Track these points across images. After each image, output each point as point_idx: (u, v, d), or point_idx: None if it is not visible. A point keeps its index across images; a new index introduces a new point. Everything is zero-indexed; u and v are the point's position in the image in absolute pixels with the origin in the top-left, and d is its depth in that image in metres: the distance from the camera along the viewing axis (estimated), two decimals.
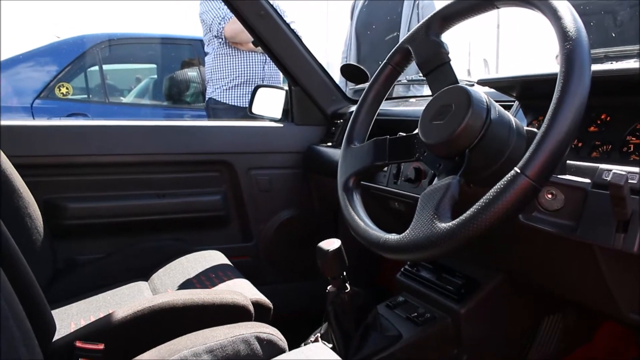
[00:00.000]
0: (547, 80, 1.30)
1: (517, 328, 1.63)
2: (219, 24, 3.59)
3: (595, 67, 1.15)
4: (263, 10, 2.20)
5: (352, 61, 3.77)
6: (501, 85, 1.44)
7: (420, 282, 1.69)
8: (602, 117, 1.26)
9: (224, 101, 3.67)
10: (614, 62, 1.53)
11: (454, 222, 0.89)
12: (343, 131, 2.22)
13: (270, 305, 1.58)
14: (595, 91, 1.26)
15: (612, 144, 1.20)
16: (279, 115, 2.51)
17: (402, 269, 1.78)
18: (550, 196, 1.06)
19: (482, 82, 1.44)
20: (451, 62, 1.13)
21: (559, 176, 1.04)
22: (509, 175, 0.86)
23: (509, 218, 0.85)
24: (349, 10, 4.06)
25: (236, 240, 2.38)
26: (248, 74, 3.65)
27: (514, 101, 1.49)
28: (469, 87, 1.03)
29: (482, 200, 0.86)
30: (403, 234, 0.98)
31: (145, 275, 1.84)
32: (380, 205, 1.71)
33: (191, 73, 5.34)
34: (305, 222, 2.45)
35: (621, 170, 0.94)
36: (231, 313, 1.43)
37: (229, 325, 1.30)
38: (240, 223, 2.38)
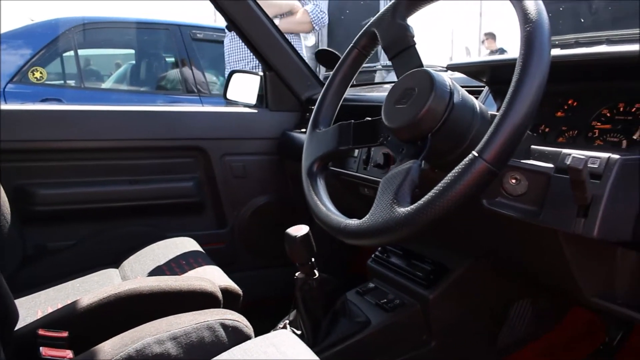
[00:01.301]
0: (515, 65, 1.29)
1: (486, 313, 1.63)
2: None
3: (561, 52, 1.15)
4: None
5: (325, 45, 3.74)
6: (471, 70, 1.43)
7: (390, 269, 1.69)
8: (569, 102, 1.25)
9: None
10: (583, 48, 1.53)
11: (412, 206, 0.88)
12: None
13: (240, 292, 1.57)
14: (562, 77, 1.26)
15: (578, 129, 1.20)
16: (254, 101, 2.48)
17: (372, 256, 1.77)
18: (514, 181, 1.05)
19: (451, 67, 1.43)
20: (416, 46, 1.12)
21: (522, 161, 1.03)
22: (466, 159, 0.85)
23: (466, 202, 0.84)
24: None
25: (210, 226, 2.36)
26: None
27: (484, 86, 1.48)
28: (432, 71, 1.02)
29: (439, 184, 0.86)
30: (363, 219, 0.97)
31: (116, 262, 1.82)
32: (351, 191, 1.70)
33: (169, 59, 5.28)
34: (280, 208, 2.44)
35: (582, 155, 0.94)
36: (199, 300, 1.42)
37: (194, 312, 1.29)
38: (215, 209, 2.37)
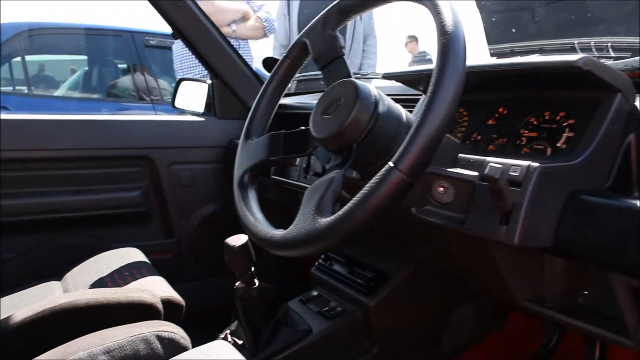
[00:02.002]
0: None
1: (428, 318, 1.65)
2: None
3: (478, 62, 1.17)
4: (181, 2, 2.16)
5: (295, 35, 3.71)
6: (407, 79, 1.45)
7: (333, 276, 1.69)
8: (500, 110, 1.28)
9: None
10: (518, 57, 1.57)
11: (332, 217, 0.89)
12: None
13: (182, 302, 1.56)
14: (494, 85, 1.29)
15: (508, 137, 1.22)
16: (202, 109, 2.47)
17: (316, 264, 1.78)
18: (442, 189, 1.07)
19: (387, 76, 1.45)
20: (345, 56, 1.13)
21: (449, 170, 1.05)
22: (383, 170, 0.86)
23: (384, 212, 0.85)
24: None
25: (157, 236, 2.33)
26: None
27: (421, 95, 1.50)
28: (358, 82, 1.03)
29: (358, 195, 0.87)
30: (287, 229, 0.98)
31: (59, 275, 1.79)
32: (292, 200, 1.70)
33: (122, 65, 5.22)
34: (228, 217, 2.42)
35: (499, 164, 0.96)
36: (138, 312, 1.40)
37: (130, 325, 1.28)
38: (162, 219, 2.34)
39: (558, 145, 1.13)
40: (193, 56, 3.41)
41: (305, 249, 0.93)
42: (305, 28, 1.22)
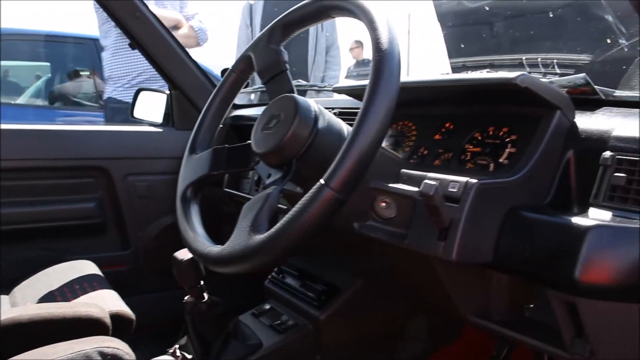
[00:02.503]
0: (402, 89, 1.32)
1: (380, 331, 1.65)
2: None
3: (412, 78, 1.18)
4: (138, 12, 2.14)
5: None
6: (356, 93, 1.45)
7: (285, 290, 1.69)
8: (447, 125, 1.29)
9: (127, 100, 3.34)
10: (469, 72, 1.58)
11: (265, 234, 0.88)
12: (222, 136, 2.20)
13: (133, 317, 1.53)
14: (441, 99, 1.30)
15: (453, 152, 1.23)
16: (160, 119, 2.45)
17: (269, 277, 1.77)
18: (384, 204, 1.07)
19: (337, 90, 1.45)
20: (288, 71, 1.13)
21: (391, 185, 1.05)
22: (315, 187, 0.86)
23: (317, 229, 0.85)
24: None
25: (113, 248, 2.30)
26: (153, 70, 3.43)
27: None
28: (298, 97, 1.03)
29: (291, 212, 0.86)
30: (224, 246, 0.97)
31: (8, 289, 1.75)
32: None
33: (84, 73, 5.16)
34: None
35: (438, 179, 0.96)
36: (84, 327, 1.38)
37: (73, 341, 1.25)
38: (118, 231, 2.31)
39: (500, 160, 1.14)
40: (123, 65, 3.38)
41: (241, 266, 0.92)
42: (251, 42, 1.22)
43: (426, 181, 0.91)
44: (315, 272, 1.67)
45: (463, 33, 2.66)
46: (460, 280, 1.16)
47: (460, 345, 1.84)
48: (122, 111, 3.41)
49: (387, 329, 1.66)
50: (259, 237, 0.89)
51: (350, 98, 1.52)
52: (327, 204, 0.84)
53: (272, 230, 0.88)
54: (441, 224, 0.95)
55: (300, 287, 1.65)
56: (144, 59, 3.38)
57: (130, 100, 3.36)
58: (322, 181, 0.85)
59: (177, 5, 3.48)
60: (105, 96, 3.60)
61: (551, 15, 1.83)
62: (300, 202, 0.86)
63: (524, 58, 1.57)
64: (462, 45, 2.45)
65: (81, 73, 5.19)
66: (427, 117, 1.34)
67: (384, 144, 1.39)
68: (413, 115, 1.38)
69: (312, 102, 1.03)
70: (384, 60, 0.89)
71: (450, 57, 2.29)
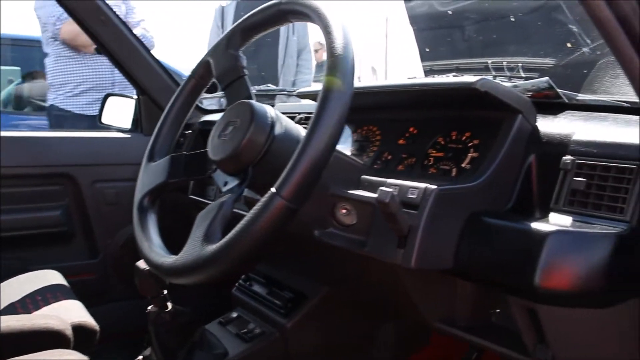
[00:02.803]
0: (362, 94, 1.31)
1: (348, 338, 1.63)
2: (54, 24, 3.23)
3: (367, 84, 1.17)
4: (103, 15, 2.10)
5: None
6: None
7: (252, 297, 1.66)
8: (411, 129, 1.28)
9: (68, 109, 3.37)
10: (435, 76, 1.58)
11: (217, 245, 0.86)
12: (191, 142, 2.17)
13: (96, 328, 1.50)
14: (405, 104, 1.29)
15: (416, 157, 1.22)
16: (129, 125, 2.41)
17: (236, 284, 1.74)
18: (344, 211, 1.05)
19: (300, 95, 1.43)
20: (246, 77, 1.11)
21: (350, 192, 1.03)
22: (266, 196, 0.84)
23: (269, 238, 0.83)
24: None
25: (80, 257, 2.25)
26: (95, 79, 3.35)
27: None
28: (254, 103, 1.01)
29: (242, 222, 0.84)
30: (177, 256, 0.95)
31: None
32: None
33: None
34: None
35: (397, 185, 0.95)
36: (44, 340, 1.34)
37: (30, 355, 1.22)
38: (85, 239, 2.26)
39: (463, 165, 1.13)
40: (67, 72, 3.32)
41: (193, 277, 0.90)
42: (210, 47, 1.20)
43: (382, 188, 0.90)
44: (282, 279, 1.65)
45: (434, 36, 2.66)
46: (425, 286, 1.15)
47: (430, 352, 1.83)
48: (65, 119, 3.36)
49: (356, 336, 1.64)
50: (211, 247, 0.87)
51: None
52: (278, 213, 0.82)
53: (224, 240, 0.86)
54: (400, 231, 0.94)
55: (267, 294, 1.62)
56: (85, 68, 3.39)
57: (73, 109, 3.34)
58: (273, 190, 0.83)
59: (123, 11, 3.43)
60: (48, 103, 3.55)
61: (520, 20, 1.84)
62: (251, 212, 0.84)
63: (489, 62, 1.56)
64: (433, 49, 2.45)
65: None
66: (391, 122, 1.32)
67: (348, 150, 1.38)
68: (378, 120, 1.37)
69: (269, 108, 1.01)
70: (336, 65, 0.87)
71: (422, 60, 2.28)
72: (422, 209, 0.95)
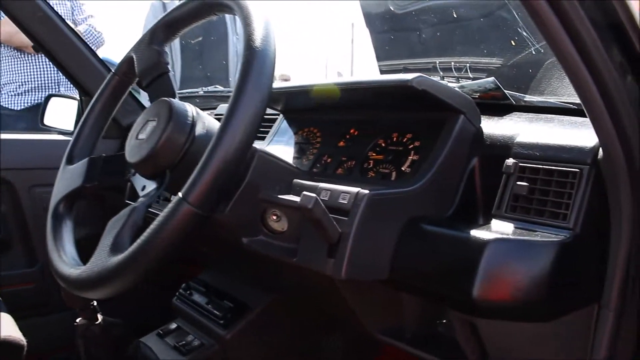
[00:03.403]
0: (306, 92, 1.24)
1: (293, 350, 1.55)
2: None
3: (287, 83, 1.11)
4: (41, 12, 1.99)
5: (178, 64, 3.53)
6: None
7: (193, 307, 1.58)
8: (352, 131, 1.21)
9: (12, 107, 3.22)
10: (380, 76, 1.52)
11: (121, 256, 0.79)
12: None
13: (23, 343, 1.40)
14: (344, 105, 1.22)
15: (356, 160, 1.15)
16: (72, 127, 2.30)
17: (177, 293, 1.66)
18: (275, 217, 0.98)
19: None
20: (170, 74, 1.03)
21: (280, 196, 0.96)
22: (173, 201, 0.76)
23: (177, 247, 0.76)
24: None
25: (17, 266, 2.13)
26: (40, 79, 3.23)
27: (279, 115, 1.43)
28: (174, 100, 0.93)
29: (147, 230, 0.77)
30: (84, 267, 0.86)
31: None
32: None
33: None
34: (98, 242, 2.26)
35: (329, 190, 0.89)
36: None
37: None
38: (23, 247, 2.14)
39: (403, 169, 1.07)
40: (7, 72, 3.19)
41: (99, 291, 0.82)
42: (134, 43, 1.12)
43: (305, 193, 0.83)
44: (224, 288, 1.57)
45: (389, 37, 2.64)
46: (364, 297, 1.08)
47: None
48: (9, 119, 3.22)
49: (301, 347, 1.57)
50: (116, 258, 0.79)
51: None
52: (185, 220, 0.75)
53: (128, 251, 0.78)
54: (329, 239, 0.87)
55: (207, 304, 1.54)
56: (28, 68, 3.25)
57: (17, 109, 3.20)
58: (180, 194, 0.76)
59: (69, 9, 3.31)
60: None
61: (471, 20, 1.79)
62: (157, 219, 0.77)
63: (437, 62, 1.51)
64: (388, 50, 2.43)
65: None
66: (332, 123, 1.26)
67: (288, 152, 1.31)
68: (320, 122, 1.31)
69: (190, 107, 0.94)
70: (253, 60, 0.80)
71: (378, 60, 2.25)
72: (353, 215, 0.88)
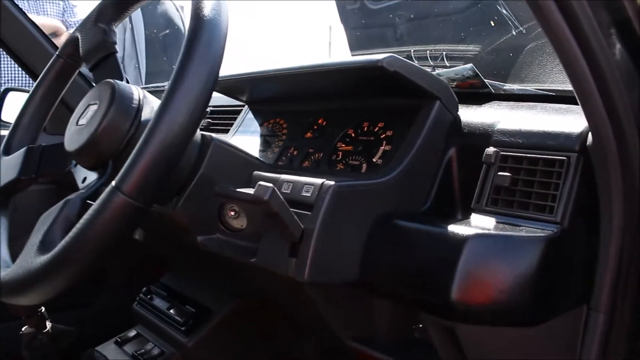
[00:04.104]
0: (272, 78, 1.14)
1: (260, 356, 1.46)
2: None
3: (275, 66, 1.02)
4: None
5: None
6: (226, 86, 1.26)
7: (153, 313, 1.47)
8: (320, 121, 1.12)
9: None
10: None
11: (48, 255, 0.69)
12: None
13: None
14: (311, 94, 1.13)
15: (324, 152, 1.06)
16: None
17: (137, 297, 1.55)
18: (232, 213, 0.88)
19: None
20: (117, 55, 0.93)
21: (238, 190, 0.86)
22: (105, 191, 0.67)
23: (111, 244, 0.66)
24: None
25: None
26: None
27: (244, 106, 1.34)
28: (118, 82, 0.83)
29: (77, 224, 0.67)
30: (9, 269, 0.76)
31: None
32: None
33: None
34: None
35: (290, 182, 0.79)
36: None
37: None
38: None
39: (374, 160, 0.98)
40: None
41: (25, 296, 0.72)
42: (80, 21, 1.02)
43: (260, 183, 0.74)
44: (186, 291, 1.47)
45: (364, 32, 2.59)
46: (335, 300, 0.98)
47: None
48: None
49: (269, 353, 1.47)
50: (43, 257, 0.69)
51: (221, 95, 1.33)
52: (119, 212, 0.65)
53: (55, 249, 0.68)
54: (290, 237, 0.78)
55: (168, 309, 1.43)
56: None
57: None
58: (113, 183, 0.66)
59: (61, 9, 3.21)
60: None
61: (445, 7, 1.73)
62: (88, 213, 0.67)
63: (412, 50, 1.43)
64: (362, 43, 2.38)
65: None
66: (299, 114, 1.17)
67: (253, 145, 1.22)
68: (286, 112, 1.21)
69: (137, 89, 0.84)
70: (200, 29, 0.70)
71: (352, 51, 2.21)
72: (318, 209, 0.79)
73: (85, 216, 0.66)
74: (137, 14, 3.44)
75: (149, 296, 1.52)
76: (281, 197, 0.74)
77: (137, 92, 0.83)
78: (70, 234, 0.67)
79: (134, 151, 0.66)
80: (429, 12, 2.06)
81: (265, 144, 1.20)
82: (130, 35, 3.46)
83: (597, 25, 0.67)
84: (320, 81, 1.08)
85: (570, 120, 0.84)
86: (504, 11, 1.24)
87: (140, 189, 0.65)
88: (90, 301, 1.87)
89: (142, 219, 0.68)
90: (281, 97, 1.24)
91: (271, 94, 1.26)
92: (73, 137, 0.84)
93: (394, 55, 0.88)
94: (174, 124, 0.66)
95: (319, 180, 0.81)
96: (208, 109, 1.49)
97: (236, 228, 0.89)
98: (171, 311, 1.43)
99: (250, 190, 0.80)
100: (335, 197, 0.79)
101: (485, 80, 1.11)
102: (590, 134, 0.78)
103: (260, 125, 1.26)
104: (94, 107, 0.83)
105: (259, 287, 1.19)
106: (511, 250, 0.74)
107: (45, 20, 3.15)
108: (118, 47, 2.83)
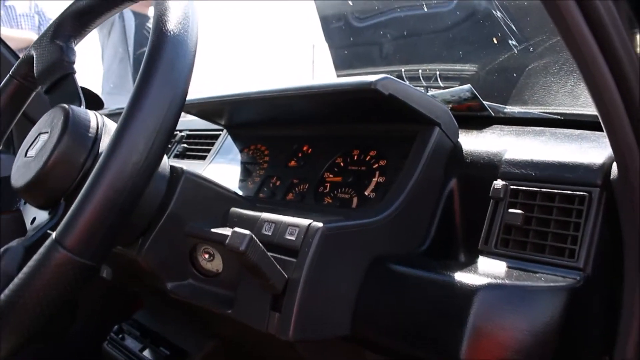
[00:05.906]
0: (252, 101, 1.04)
1: None
2: None
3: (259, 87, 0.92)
4: None
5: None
6: (203, 109, 1.16)
7: (125, 354, 1.35)
8: (304, 149, 1.02)
9: None
10: None
11: None
12: None
13: None
14: (295, 118, 1.03)
15: (310, 183, 0.96)
16: None
17: (107, 337, 1.43)
18: (207, 256, 0.78)
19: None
20: (75, 75, 0.83)
21: (213, 230, 0.75)
22: (45, 244, 0.56)
23: (52, 308, 0.55)
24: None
25: None
26: None
27: (222, 130, 1.23)
28: (73, 107, 0.73)
29: (11, 283, 0.56)
30: None
31: None
32: None
33: None
34: None
35: (272, 221, 0.69)
36: None
37: None
38: None
39: (366, 193, 0.88)
40: None
41: None
42: (37, 38, 0.91)
43: (235, 230, 0.63)
44: (162, 332, 1.35)
45: (350, 51, 2.52)
46: (325, 355, 0.87)
47: None
48: None
49: None
50: None
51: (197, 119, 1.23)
52: (60, 271, 0.54)
53: None
54: (272, 289, 0.67)
55: (141, 351, 1.32)
56: None
57: None
58: (53, 236, 0.55)
59: (36, 23, 3.11)
60: None
61: (440, 22, 1.64)
62: (23, 270, 0.55)
63: (403, 70, 1.34)
64: (347, 61, 2.31)
65: None
66: (282, 139, 1.07)
67: (231, 175, 1.12)
68: (267, 138, 1.11)
69: (95, 115, 0.73)
70: (162, 46, 0.59)
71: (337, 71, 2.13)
72: (303, 255, 0.68)
73: (20, 275, 0.55)
74: (127, 12, 3.31)
75: (120, 335, 1.40)
76: (261, 245, 0.63)
77: (94, 118, 0.72)
78: (3, 296, 0.55)
79: (79, 196, 0.55)
80: (421, 29, 1.98)
81: (246, 172, 1.10)
82: (120, 36, 3.32)
83: (628, 39, 0.57)
84: (306, 104, 0.97)
85: (587, 149, 0.75)
86: (504, 27, 1.14)
87: (86, 243, 0.54)
88: (56, 340, 1.75)
89: (90, 278, 0.57)
90: (262, 121, 1.14)
91: (252, 118, 1.16)
92: (20, 171, 0.73)
93: (389, 76, 0.78)
94: (127, 163, 0.55)
95: (305, 222, 0.70)
96: (184, 133, 1.39)
97: (211, 272, 0.78)
98: (144, 353, 1.31)
99: (227, 231, 0.69)
100: (323, 241, 0.68)
101: (484, 102, 1.02)
102: (614, 166, 0.69)
103: (240, 151, 1.15)
104: (44, 137, 0.72)
105: (236, 335, 1.08)
106: (529, 304, 0.63)
107: (22, 33, 3.06)
108: (106, 53, 2.68)
